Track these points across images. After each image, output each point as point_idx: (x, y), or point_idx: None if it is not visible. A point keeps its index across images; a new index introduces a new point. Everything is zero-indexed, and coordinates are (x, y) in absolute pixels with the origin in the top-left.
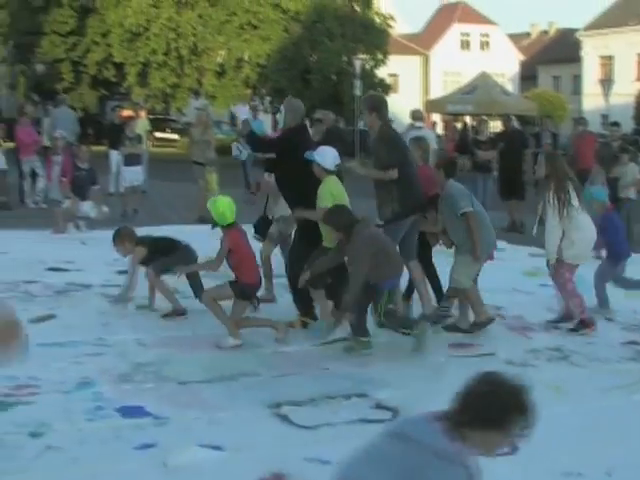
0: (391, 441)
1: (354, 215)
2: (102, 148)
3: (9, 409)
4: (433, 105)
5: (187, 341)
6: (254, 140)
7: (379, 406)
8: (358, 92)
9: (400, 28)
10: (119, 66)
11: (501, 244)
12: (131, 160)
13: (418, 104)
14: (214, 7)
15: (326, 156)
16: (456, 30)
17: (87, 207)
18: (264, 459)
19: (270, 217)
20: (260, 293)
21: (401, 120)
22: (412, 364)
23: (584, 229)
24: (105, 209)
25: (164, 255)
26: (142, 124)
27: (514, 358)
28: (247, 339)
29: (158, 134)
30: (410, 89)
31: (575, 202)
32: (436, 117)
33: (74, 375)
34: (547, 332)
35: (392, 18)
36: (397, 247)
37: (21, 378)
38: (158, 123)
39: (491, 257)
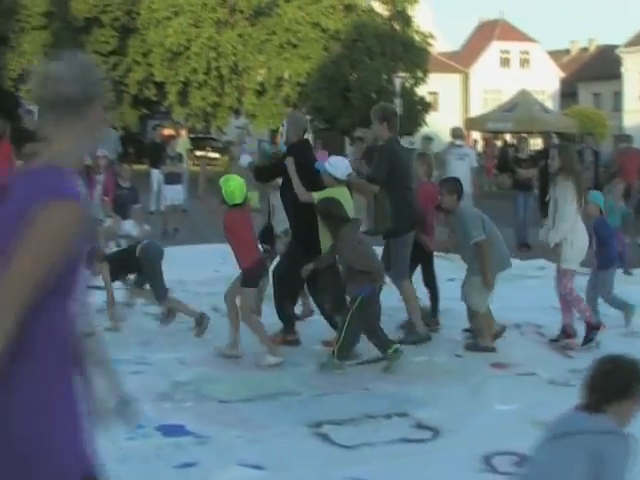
0: (559, 445)
1: (346, 214)
2: (143, 167)
3: None
4: (473, 123)
5: (227, 359)
6: (256, 171)
7: (420, 425)
8: (398, 110)
9: (440, 46)
10: (160, 85)
11: (540, 262)
12: (172, 179)
13: (458, 122)
14: (254, 26)
15: (338, 166)
16: (496, 47)
17: (129, 226)
18: (304, 478)
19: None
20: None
21: (441, 138)
22: (452, 383)
23: (581, 233)
24: (146, 227)
25: (127, 265)
26: (183, 143)
27: (556, 377)
28: (287, 357)
29: (199, 153)
30: (450, 107)
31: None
32: (476, 135)
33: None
34: (588, 351)
35: (432, 36)
36: (401, 263)
37: None
38: (198, 142)
39: None
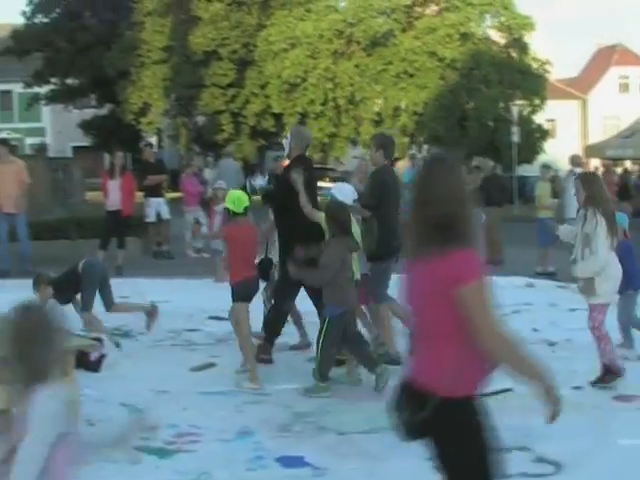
0: None
1: (350, 225)
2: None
3: (171, 457)
4: (592, 150)
5: (346, 390)
6: (264, 198)
7: (541, 460)
8: (516, 139)
9: (557, 72)
10: (277, 116)
11: None
12: None
13: (577, 149)
14: (371, 57)
15: (344, 191)
16: (614, 73)
17: None
18: None
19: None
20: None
21: (560, 166)
22: (574, 416)
23: (615, 267)
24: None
25: (70, 287)
26: None
27: None
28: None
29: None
30: (568, 134)
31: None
32: (595, 162)
33: (235, 424)
34: None
35: (549, 63)
36: (378, 287)
37: (182, 426)
38: (316, 172)
39: None
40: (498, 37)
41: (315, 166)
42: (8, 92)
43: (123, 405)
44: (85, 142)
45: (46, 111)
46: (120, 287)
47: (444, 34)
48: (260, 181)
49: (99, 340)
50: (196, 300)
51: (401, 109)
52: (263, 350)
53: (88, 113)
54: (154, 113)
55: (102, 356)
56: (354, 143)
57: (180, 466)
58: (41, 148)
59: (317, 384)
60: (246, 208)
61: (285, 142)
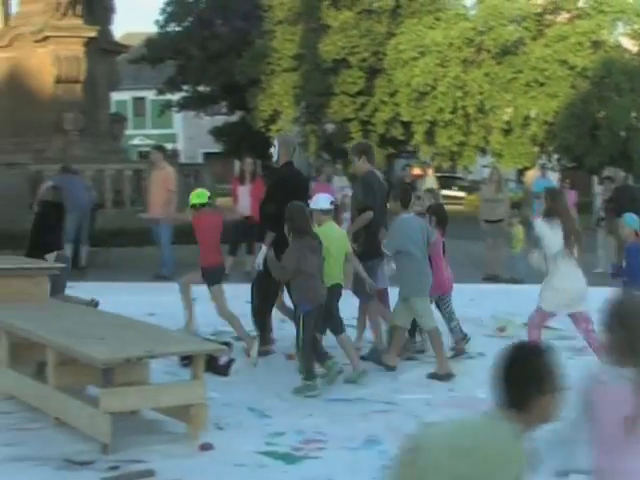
0: None
1: (309, 226)
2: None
3: (297, 462)
4: None
5: (476, 402)
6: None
7: None
8: None
9: None
10: (406, 125)
11: None
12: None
13: None
14: (500, 65)
15: (318, 200)
16: None
17: None
18: None
19: None
20: None
21: None
22: None
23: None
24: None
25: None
26: (430, 182)
27: None
28: None
29: (445, 192)
30: None
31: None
32: None
33: (361, 432)
34: None
35: None
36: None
37: (309, 432)
38: (444, 181)
39: None
40: (630, 45)
41: (444, 175)
42: (141, 99)
43: (251, 410)
44: (215, 148)
45: (178, 118)
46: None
47: (575, 42)
48: None
49: (228, 344)
50: None
51: (531, 118)
52: (262, 342)
53: (219, 120)
54: (284, 120)
55: (231, 360)
56: (483, 152)
57: (306, 472)
58: (173, 154)
59: (305, 383)
60: (209, 198)
61: (273, 150)
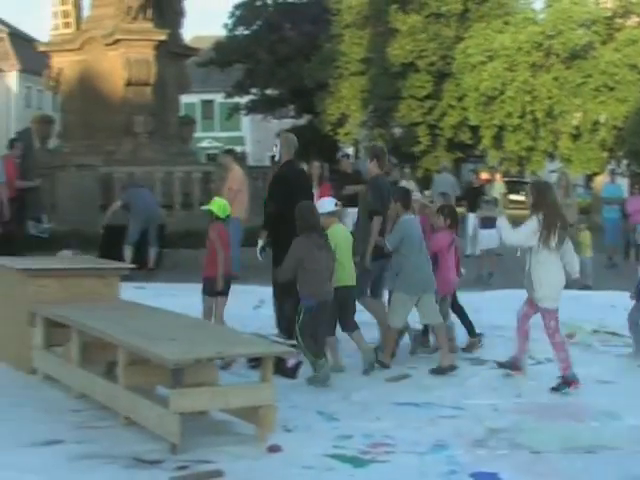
0: None
1: (319, 224)
2: (459, 210)
3: (365, 466)
4: None
5: (543, 408)
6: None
7: None
8: None
9: None
10: (474, 129)
11: None
12: (487, 223)
13: None
14: (569, 69)
15: (323, 204)
16: None
17: None
18: None
19: None
20: None
21: None
22: None
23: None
24: (462, 271)
25: None
26: (498, 187)
27: None
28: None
29: (512, 197)
30: None
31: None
32: None
33: (429, 436)
34: None
35: None
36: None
37: (377, 436)
38: (512, 186)
39: None
40: None
41: (512, 179)
42: (210, 102)
43: (319, 413)
44: None
45: (246, 121)
46: None
47: None
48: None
49: (296, 347)
50: None
51: (600, 123)
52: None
53: (286, 123)
54: (351, 124)
55: (299, 363)
56: (551, 157)
57: (374, 476)
58: (241, 157)
59: (315, 374)
60: (227, 216)
61: (275, 149)
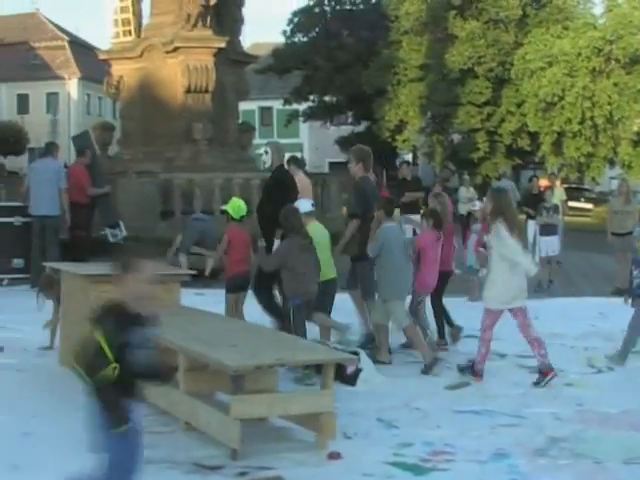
0: None
1: (302, 226)
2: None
3: (426, 474)
4: None
5: (605, 417)
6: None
7: None
8: None
9: None
10: (533, 135)
11: None
12: (547, 230)
13: None
14: (630, 75)
15: (301, 204)
16: None
17: None
18: None
19: None
20: None
21: None
22: None
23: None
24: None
25: None
26: (558, 194)
27: None
28: None
29: (572, 203)
30: None
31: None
32: None
33: (490, 445)
34: None
35: None
36: (367, 283)
37: (437, 444)
38: (572, 192)
39: None
40: None
41: (571, 186)
42: (268, 108)
43: (379, 420)
44: (341, 158)
45: (304, 127)
46: None
47: None
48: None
49: (356, 354)
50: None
51: None
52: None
53: (345, 130)
54: (410, 130)
55: (358, 370)
56: (612, 163)
57: None
58: (301, 163)
59: (305, 372)
60: (242, 217)
61: (266, 157)
